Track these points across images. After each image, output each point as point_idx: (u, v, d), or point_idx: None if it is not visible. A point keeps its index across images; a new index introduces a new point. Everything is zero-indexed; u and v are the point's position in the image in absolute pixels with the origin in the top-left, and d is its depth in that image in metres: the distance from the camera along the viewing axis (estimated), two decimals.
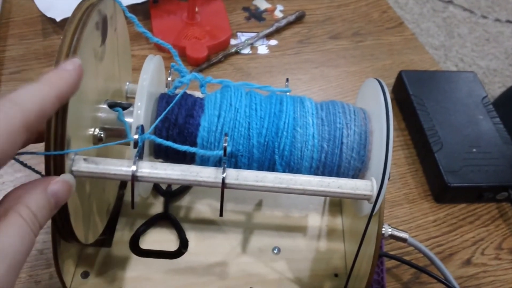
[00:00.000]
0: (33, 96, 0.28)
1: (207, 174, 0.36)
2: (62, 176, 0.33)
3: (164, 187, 0.52)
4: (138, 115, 0.37)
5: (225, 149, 0.37)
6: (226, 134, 0.38)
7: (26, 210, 0.29)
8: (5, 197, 0.30)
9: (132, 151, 0.37)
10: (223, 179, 0.36)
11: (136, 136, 0.36)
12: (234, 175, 0.36)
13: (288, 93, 0.45)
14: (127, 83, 0.48)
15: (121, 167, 0.36)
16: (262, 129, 0.39)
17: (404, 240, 0.47)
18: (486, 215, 0.60)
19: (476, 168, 0.60)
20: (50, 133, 0.33)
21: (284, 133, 0.39)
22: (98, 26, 0.38)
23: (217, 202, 0.52)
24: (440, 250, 0.56)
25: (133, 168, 0.36)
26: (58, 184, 0.31)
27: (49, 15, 0.72)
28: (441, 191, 0.59)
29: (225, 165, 0.37)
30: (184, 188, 0.52)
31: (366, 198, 0.37)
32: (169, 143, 0.37)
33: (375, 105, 0.40)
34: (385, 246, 0.55)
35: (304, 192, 0.37)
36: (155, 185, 0.52)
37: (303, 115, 0.40)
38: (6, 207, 0.29)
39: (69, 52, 0.34)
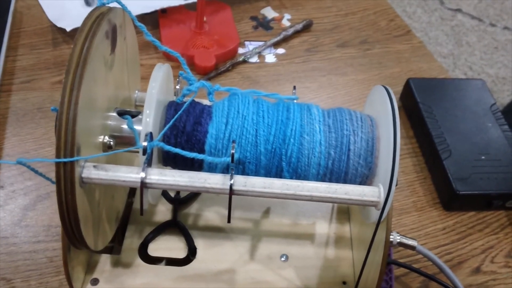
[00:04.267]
0: None
1: (215, 180, 0.37)
2: None
3: (172, 194, 0.53)
4: (147, 123, 0.38)
5: (232, 155, 0.37)
6: (234, 141, 0.38)
7: None
8: None
9: (141, 158, 0.37)
10: (231, 185, 0.36)
11: (145, 143, 0.36)
12: (242, 182, 0.37)
13: (295, 101, 0.45)
14: (136, 91, 0.49)
15: (130, 174, 0.36)
16: (270, 136, 0.39)
17: (412, 247, 0.47)
18: (495, 223, 0.59)
19: (485, 176, 0.59)
20: (61, 141, 0.33)
21: (291, 140, 0.39)
22: (108, 35, 0.39)
23: (225, 209, 0.52)
24: (449, 258, 0.55)
25: (142, 174, 0.36)
26: None
27: (59, 25, 0.73)
28: (450, 199, 0.59)
29: (233, 172, 0.37)
30: (193, 196, 0.53)
31: (374, 204, 0.37)
32: (177, 150, 0.37)
33: (382, 112, 0.40)
34: (394, 254, 0.54)
35: (311, 199, 0.37)
36: (164, 192, 0.52)
37: (310, 122, 0.40)
38: None
39: (79, 60, 0.35)
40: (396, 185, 0.39)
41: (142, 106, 0.47)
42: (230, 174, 0.37)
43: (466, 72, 1.64)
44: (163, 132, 0.38)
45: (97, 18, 0.38)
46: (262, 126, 0.40)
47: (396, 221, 0.59)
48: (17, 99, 0.66)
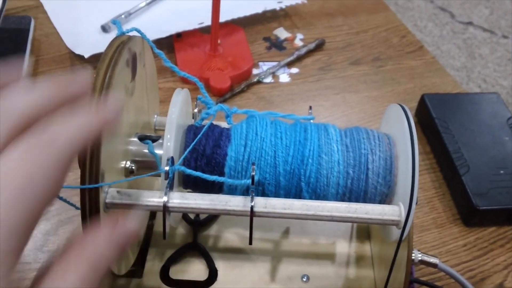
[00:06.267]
0: (79, 136, 0.24)
1: (236, 203, 0.37)
2: (126, 224, 0.26)
3: (192, 216, 0.53)
4: (168, 147, 0.38)
5: (253, 178, 0.38)
6: (253, 163, 0.39)
7: (88, 259, 0.24)
8: (69, 243, 0.25)
9: (162, 182, 0.38)
10: (252, 207, 0.37)
11: (167, 168, 0.37)
12: (263, 203, 0.37)
13: (311, 121, 0.45)
14: (155, 115, 0.50)
15: (152, 198, 0.37)
16: (288, 157, 0.40)
17: (434, 265, 0.47)
18: None
19: (504, 190, 0.59)
20: (86, 167, 0.34)
21: (310, 160, 0.40)
22: (128, 63, 0.40)
23: (244, 230, 0.52)
24: (471, 275, 0.55)
25: (165, 199, 0.37)
26: (121, 235, 0.25)
27: (77, 52, 0.75)
28: (469, 214, 0.59)
29: (253, 194, 0.37)
30: (212, 217, 0.53)
31: (394, 223, 0.37)
32: (198, 174, 0.38)
33: (399, 130, 0.40)
34: (416, 272, 0.54)
35: (332, 219, 0.37)
36: (184, 214, 0.53)
37: (327, 142, 0.41)
38: (70, 253, 0.24)
39: (102, 89, 0.36)
40: (417, 203, 0.39)
41: (162, 130, 0.48)
42: (250, 196, 0.37)
43: (480, 84, 1.63)
44: (183, 156, 0.39)
45: (118, 47, 0.39)
46: (281, 147, 0.40)
47: (417, 238, 0.58)
48: None
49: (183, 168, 0.38)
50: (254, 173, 0.38)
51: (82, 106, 0.25)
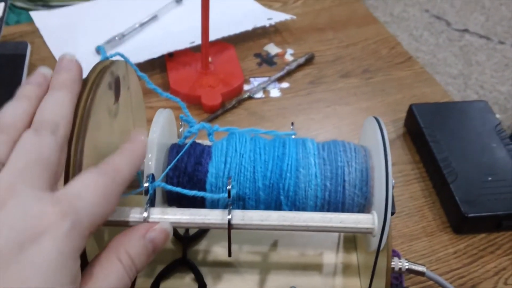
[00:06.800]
0: (129, 165, 0.35)
1: (214, 216, 0.39)
2: (160, 224, 0.36)
3: (181, 232, 0.54)
4: (149, 166, 0.40)
5: (229, 191, 0.39)
6: (229, 177, 0.40)
7: (125, 255, 0.32)
8: (110, 242, 0.34)
9: (143, 199, 0.39)
10: (229, 220, 0.38)
11: (146, 184, 0.38)
12: (240, 216, 0.38)
13: (293, 136, 0.47)
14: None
15: (134, 214, 0.38)
16: (267, 172, 0.41)
17: (422, 273, 0.48)
18: (506, 244, 0.59)
19: (493, 197, 0.59)
20: None
21: (288, 174, 0.41)
22: (111, 86, 0.41)
23: (233, 244, 0.53)
24: (462, 282, 0.55)
25: (145, 214, 0.38)
26: (156, 231, 0.35)
27: None
28: (459, 222, 0.59)
29: (231, 207, 0.39)
30: (201, 232, 0.54)
31: (369, 231, 0.38)
32: (177, 189, 0.39)
33: (374, 142, 0.42)
34: (406, 281, 0.54)
35: (308, 229, 0.38)
36: (173, 230, 0.54)
37: (305, 156, 0.42)
38: (109, 251, 0.33)
39: (84, 111, 0.37)
40: (394, 212, 0.40)
41: None
42: (228, 209, 0.38)
43: (478, 91, 1.64)
44: (164, 173, 0.40)
45: (101, 71, 0.40)
46: (259, 162, 0.41)
47: (407, 247, 0.59)
48: None
49: (163, 184, 0.39)
50: (230, 187, 0.39)
51: (131, 143, 0.37)
